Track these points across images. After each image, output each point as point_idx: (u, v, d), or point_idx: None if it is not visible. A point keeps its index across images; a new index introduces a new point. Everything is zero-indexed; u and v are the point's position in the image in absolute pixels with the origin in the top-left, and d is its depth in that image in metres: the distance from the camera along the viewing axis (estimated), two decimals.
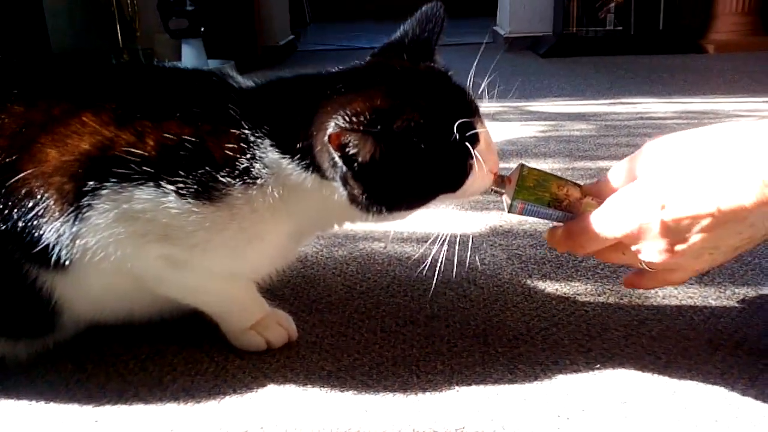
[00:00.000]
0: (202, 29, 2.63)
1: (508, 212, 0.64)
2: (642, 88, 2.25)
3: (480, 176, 0.60)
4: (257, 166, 0.59)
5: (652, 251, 0.57)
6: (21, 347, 0.67)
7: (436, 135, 0.57)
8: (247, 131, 0.59)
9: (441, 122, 0.57)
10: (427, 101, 0.58)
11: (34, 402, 0.63)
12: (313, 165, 0.59)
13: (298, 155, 0.59)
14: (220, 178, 0.58)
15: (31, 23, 2.48)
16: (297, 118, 0.59)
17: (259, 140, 0.59)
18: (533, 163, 1.36)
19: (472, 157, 0.59)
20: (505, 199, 0.64)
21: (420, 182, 0.59)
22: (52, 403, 0.62)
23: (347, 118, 0.53)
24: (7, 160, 0.58)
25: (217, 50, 2.76)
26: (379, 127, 0.54)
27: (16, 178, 0.57)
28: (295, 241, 0.68)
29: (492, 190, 0.64)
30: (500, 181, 0.64)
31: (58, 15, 2.68)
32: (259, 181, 0.59)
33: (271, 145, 0.60)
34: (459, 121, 0.57)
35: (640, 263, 0.60)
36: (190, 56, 2.65)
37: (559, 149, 1.48)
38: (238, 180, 0.58)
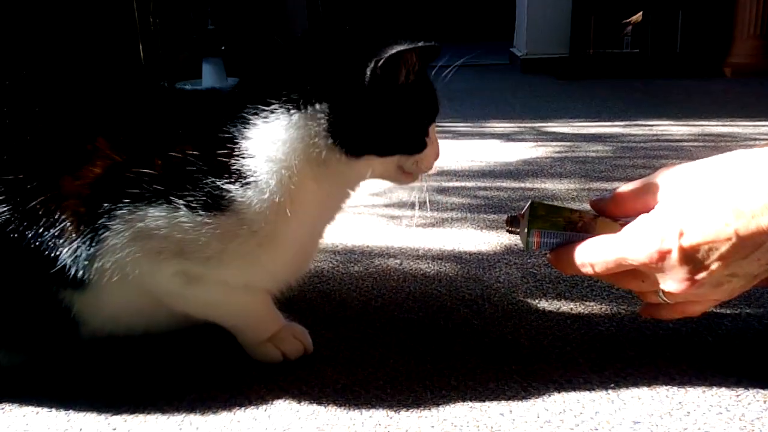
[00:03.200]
0: (223, 48, 2.67)
1: (526, 250, 0.65)
2: (659, 110, 2.25)
3: (431, 151, 0.68)
4: (246, 162, 0.60)
5: (671, 280, 0.57)
6: (41, 356, 0.68)
7: (425, 98, 0.66)
8: (230, 126, 0.62)
9: (429, 89, 0.66)
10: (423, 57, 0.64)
11: (53, 410, 0.64)
12: (306, 95, 0.61)
13: (287, 94, 0.61)
14: (223, 186, 0.59)
15: (54, 39, 2.53)
16: (287, 68, 0.63)
17: (241, 125, 0.62)
18: (549, 184, 1.37)
19: (428, 135, 0.68)
20: (522, 237, 0.65)
21: (397, 128, 0.64)
22: (71, 411, 0.64)
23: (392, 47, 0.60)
24: (27, 186, 0.59)
25: (236, 68, 2.80)
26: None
27: (35, 202, 0.59)
28: (306, 239, 0.69)
29: (507, 230, 0.66)
30: (512, 220, 0.66)
31: (82, 32, 2.74)
32: (252, 179, 0.60)
33: (252, 110, 0.62)
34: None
35: (659, 295, 0.60)
36: (210, 74, 2.70)
37: (575, 170, 1.48)
38: (237, 183, 0.60)
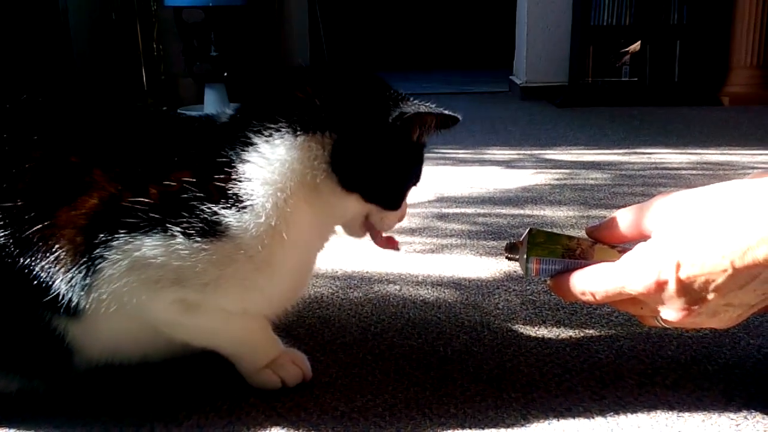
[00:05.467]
0: (225, 74, 2.70)
1: (526, 276, 0.66)
2: (657, 138, 2.26)
3: (399, 213, 0.71)
4: (243, 185, 0.61)
5: (669, 309, 0.57)
6: (37, 382, 0.68)
7: (418, 162, 0.70)
8: (228, 150, 0.63)
9: (422, 155, 0.70)
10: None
11: None
12: (317, 120, 0.63)
13: (297, 116, 0.63)
14: (219, 211, 0.60)
15: (59, 64, 2.56)
16: (298, 94, 0.65)
17: (240, 147, 0.63)
18: (548, 211, 1.37)
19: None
20: (521, 264, 0.65)
21: (388, 180, 0.68)
22: None
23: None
24: (24, 215, 0.59)
25: (239, 94, 2.83)
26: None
27: (32, 230, 0.59)
28: (302, 263, 0.69)
29: (506, 257, 0.67)
30: (511, 247, 0.67)
31: (85, 56, 2.77)
32: (248, 203, 0.61)
33: (257, 127, 0.63)
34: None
35: (657, 320, 0.61)
36: (212, 100, 2.72)
37: (574, 197, 1.49)
38: (233, 208, 0.60)
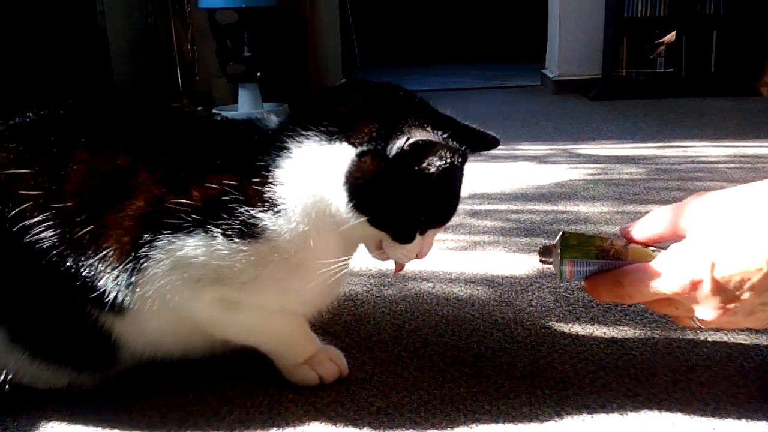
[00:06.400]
0: (258, 74, 2.73)
1: (560, 279, 0.66)
2: (693, 131, 2.23)
3: (412, 249, 0.67)
4: (277, 189, 0.63)
5: (704, 309, 0.57)
6: (85, 377, 0.71)
7: (438, 200, 0.66)
8: (265, 155, 0.64)
9: (449, 196, 0.67)
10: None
11: (99, 429, 0.66)
12: (343, 133, 0.63)
13: (326, 126, 0.64)
14: (256, 214, 0.62)
15: (97, 66, 2.62)
16: (337, 107, 0.66)
17: (276, 152, 0.64)
18: (582, 207, 1.37)
19: (423, 234, 0.68)
20: (555, 267, 0.66)
21: (395, 209, 0.64)
22: (116, 430, 0.66)
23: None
24: (75, 216, 0.62)
25: (272, 94, 2.86)
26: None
27: (83, 231, 0.62)
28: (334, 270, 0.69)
29: (540, 261, 0.67)
30: (545, 250, 0.66)
31: (122, 59, 2.83)
32: (282, 207, 0.62)
33: (291, 133, 0.65)
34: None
35: (692, 320, 0.61)
36: (246, 100, 2.75)
37: (608, 193, 1.48)
38: (269, 212, 0.62)
